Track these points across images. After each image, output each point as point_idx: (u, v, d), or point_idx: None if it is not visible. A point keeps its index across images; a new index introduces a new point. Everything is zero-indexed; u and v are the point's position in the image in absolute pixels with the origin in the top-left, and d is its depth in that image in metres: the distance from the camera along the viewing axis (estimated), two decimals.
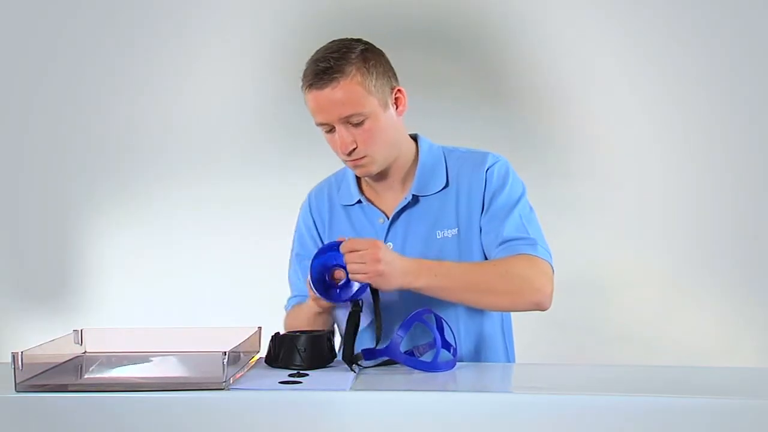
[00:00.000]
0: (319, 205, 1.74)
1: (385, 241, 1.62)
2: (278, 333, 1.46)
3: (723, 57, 2.43)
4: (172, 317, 2.43)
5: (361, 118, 1.52)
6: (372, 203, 1.66)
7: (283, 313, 1.73)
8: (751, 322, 2.46)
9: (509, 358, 1.69)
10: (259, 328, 1.49)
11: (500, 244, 1.54)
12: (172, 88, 2.57)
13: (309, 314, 1.58)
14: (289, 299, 1.74)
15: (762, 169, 2.45)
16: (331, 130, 1.54)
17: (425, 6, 2.47)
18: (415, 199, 1.62)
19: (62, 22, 2.55)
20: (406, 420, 1.20)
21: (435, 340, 1.41)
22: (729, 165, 2.45)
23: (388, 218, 1.64)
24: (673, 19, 2.44)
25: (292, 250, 1.78)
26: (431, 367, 1.40)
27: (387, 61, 1.58)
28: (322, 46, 1.56)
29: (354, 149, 1.53)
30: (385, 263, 1.41)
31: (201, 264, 2.54)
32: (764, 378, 1.46)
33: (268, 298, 2.39)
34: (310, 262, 1.48)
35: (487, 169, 1.60)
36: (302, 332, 1.44)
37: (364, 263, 1.41)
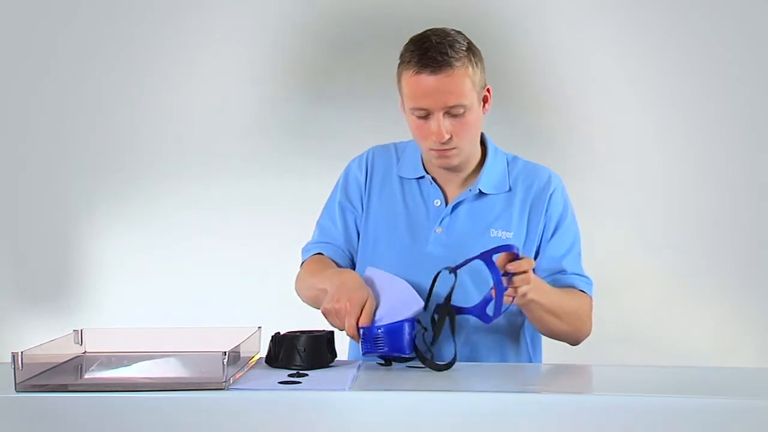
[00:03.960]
0: (376, 163, 1.74)
1: (438, 225, 1.64)
2: (278, 333, 1.46)
3: (723, 57, 2.43)
4: (172, 317, 2.43)
5: (462, 110, 1.53)
6: (436, 182, 1.68)
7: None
8: (751, 322, 2.46)
9: (533, 359, 1.71)
10: (259, 328, 1.49)
11: (559, 273, 1.63)
12: (172, 88, 2.57)
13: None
14: (312, 243, 1.72)
15: (762, 169, 2.45)
16: (426, 116, 1.54)
17: (425, 6, 2.46)
18: (479, 194, 1.65)
19: (62, 22, 2.54)
20: (406, 420, 1.20)
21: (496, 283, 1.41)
22: (729, 165, 2.45)
23: (445, 203, 1.66)
24: (673, 18, 2.44)
25: (329, 200, 1.76)
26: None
27: (483, 58, 1.59)
28: (420, 32, 1.56)
29: (448, 139, 1.54)
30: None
31: (201, 264, 2.54)
32: (764, 378, 1.47)
33: (268, 298, 2.40)
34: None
35: (551, 193, 1.66)
36: (302, 332, 1.45)
37: (528, 283, 1.44)
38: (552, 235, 1.65)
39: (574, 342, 1.65)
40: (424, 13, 2.44)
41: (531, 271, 1.44)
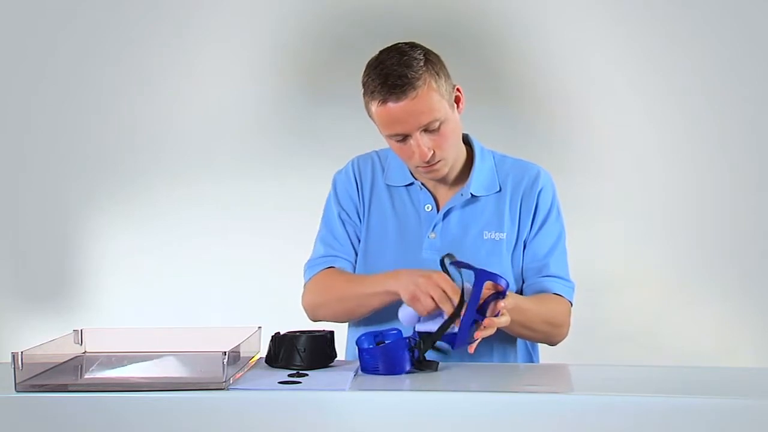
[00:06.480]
0: (363, 173, 1.72)
1: (431, 231, 1.63)
2: (278, 333, 1.46)
3: (723, 57, 2.43)
4: (172, 317, 2.43)
5: (438, 123, 1.52)
6: (426, 187, 1.67)
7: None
8: (751, 322, 2.46)
9: (533, 357, 1.72)
10: (259, 328, 1.49)
11: (543, 276, 1.62)
12: (172, 88, 2.57)
13: (366, 291, 1.57)
14: (319, 258, 1.68)
15: (762, 169, 2.45)
16: (403, 139, 1.53)
17: (425, 6, 2.46)
18: (470, 198, 1.64)
19: (62, 22, 2.54)
20: (406, 420, 1.20)
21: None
22: (729, 165, 2.45)
23: (437, 208, 1.65)
24: (673, 18, 2.44)
25: (326, 215, 1.74)
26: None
27: (443, 61, 1.57)
28: (375, 56, 1.54)
29: (431, 155, 1.54)
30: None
31: (201, 264, 2.54)
32: (764, 378, 1.47)
33: (268, 298, 2.40)
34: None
35: (540, 190, 1.66)
36: (302, 332, 1.45)
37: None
38: (537, 232, 1.65)
39: (550, 344, 1.66)
40: (424, 13, 2.45)
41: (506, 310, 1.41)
